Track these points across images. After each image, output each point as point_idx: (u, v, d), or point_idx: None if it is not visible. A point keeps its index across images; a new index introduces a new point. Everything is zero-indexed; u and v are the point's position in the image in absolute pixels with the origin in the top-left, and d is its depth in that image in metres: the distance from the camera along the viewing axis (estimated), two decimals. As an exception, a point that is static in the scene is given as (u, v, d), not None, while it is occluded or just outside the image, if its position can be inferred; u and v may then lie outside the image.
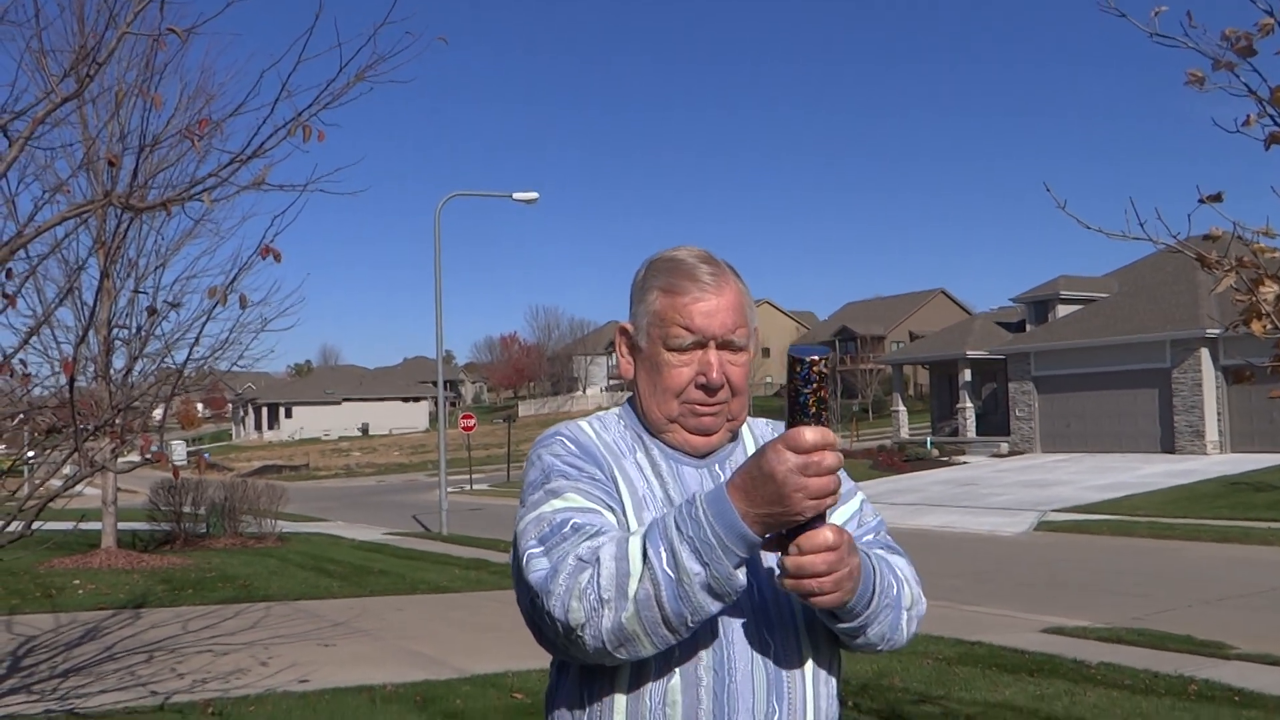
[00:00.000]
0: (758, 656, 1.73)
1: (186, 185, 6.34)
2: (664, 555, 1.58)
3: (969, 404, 41.01)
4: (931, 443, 39.76)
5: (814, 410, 1.58)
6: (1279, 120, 3.79)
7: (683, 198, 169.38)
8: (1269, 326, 3.43)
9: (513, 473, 46.82)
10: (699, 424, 1.86)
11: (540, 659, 7.77)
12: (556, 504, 1.73)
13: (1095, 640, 9.84)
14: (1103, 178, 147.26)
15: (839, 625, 1.76)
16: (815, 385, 1.59)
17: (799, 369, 1.59)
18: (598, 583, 1.59)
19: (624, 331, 1.93)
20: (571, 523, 1.68)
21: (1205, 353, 32.24)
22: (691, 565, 1.57)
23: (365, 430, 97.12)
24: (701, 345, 1.83)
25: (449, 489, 26.28)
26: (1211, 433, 32.33)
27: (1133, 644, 9.61)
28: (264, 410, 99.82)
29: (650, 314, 1.86)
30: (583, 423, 1.93)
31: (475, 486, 41.25)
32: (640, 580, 1.58)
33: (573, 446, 1.84)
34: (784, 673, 1.75)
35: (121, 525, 18.06)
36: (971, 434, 40.10)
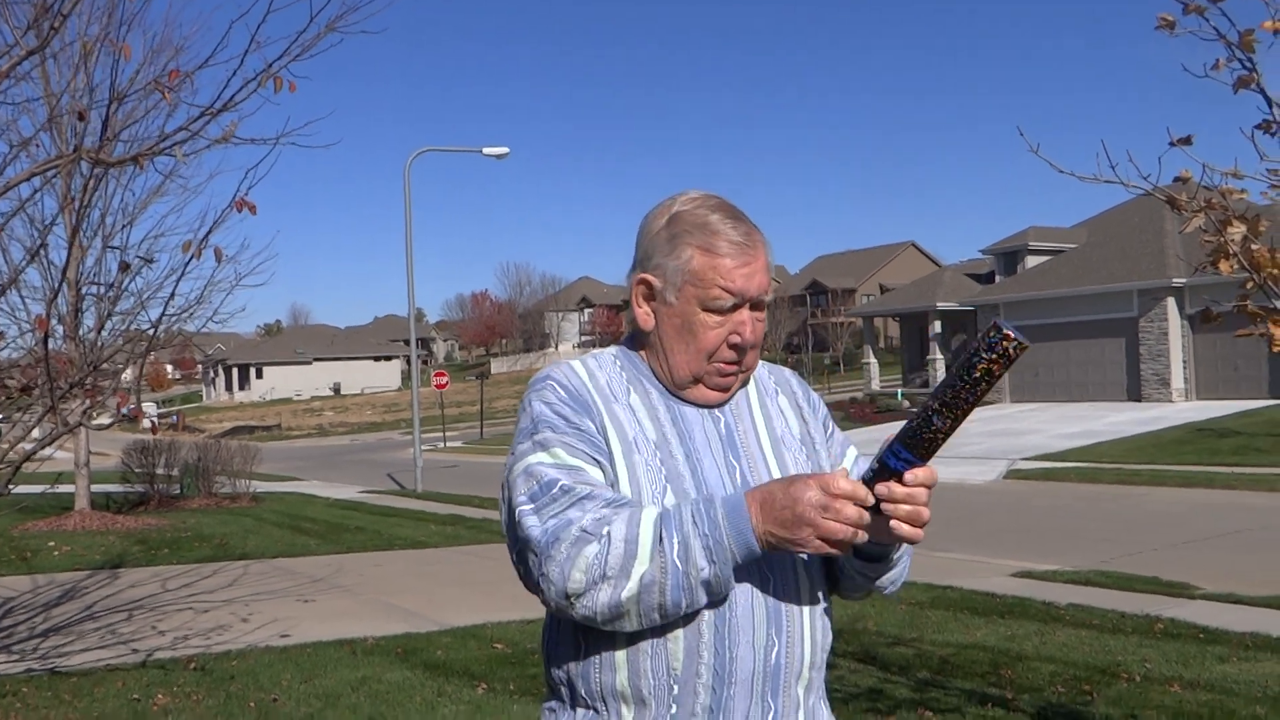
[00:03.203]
0: (757, 591, 1.77)
1: (156, 139, 6.29)
2: (676, 546, 1.64)
3: (939, 355, 41.30)
4: (903, 394, 40.05)
5: (978, 384, 1.56)
6: (1247, 64, 3.84)
7: (652, 154, 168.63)
8: (1236, 266, 3.49)
9: (486, 430, 46.85)
10: (723, 382, 1.88)
11: (519, 611, 7.87)
12: (544, 458, 1.75)
13: (1064, 583, 10.01)
14: (1074, 127, 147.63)
15: (873, 565, 1.84)
16: (996, 362, 1.54)
17: (993, 334, 1.54)
18: (605, 560, 1.63)
19: (645, 282, 1.88)
20: (560, 484, 1.71)
21: (1172, 302, 32.56)
22: (700, 561, 1.64)
23: (337, 390, 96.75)
24: (738, 307, 1.84)
25: (423, 447, 26.30)
26: (1177, 381, 32.73)
27: (1101, 586, 9.80)
28: (234, 371, 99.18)
29: (687, 272, 1.82)
30: (576, 363, 1.92)
31: (449, 444, 41.24)
32: (649, 565, 1.63)
33: (563, 393, 1.84)
34: (783, 606, 1.79)
35: (94, 488, 17.98)
36: (942, 385, 40.32)
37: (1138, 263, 34.15)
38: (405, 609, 9.65)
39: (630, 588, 1.64)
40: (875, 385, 44.20)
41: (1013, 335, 1.53)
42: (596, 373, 1.90)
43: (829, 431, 2.04)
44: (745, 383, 1.96)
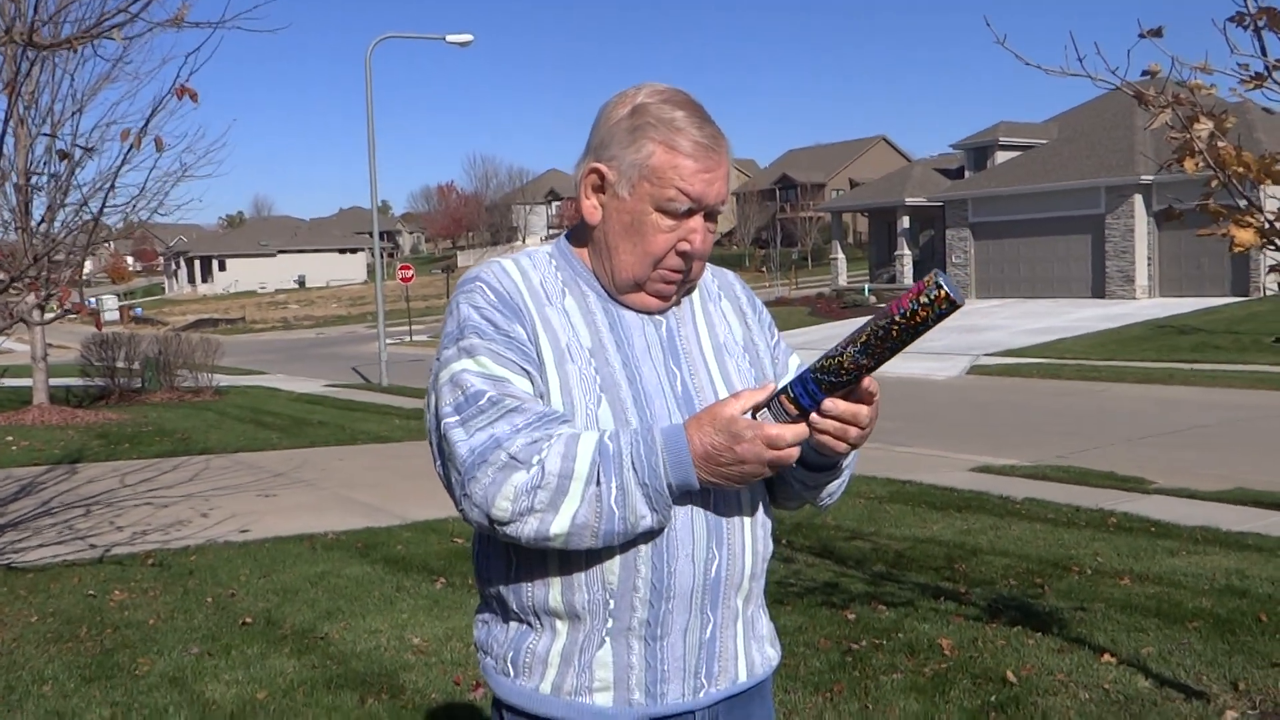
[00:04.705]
0: (697, 506, 1.71)
1: (95, 22, 6.03)
2: (614, 491, 1.58)
3: (907, 251, 41.31)
4: (869, 290, 40.14)
5: (903, 331, 1.53)
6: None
7: (621, 43, 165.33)
8: (1201, 164, 3.42)
9: (453, 324, 46.58)
10: (665, 290, 1.79)
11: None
12: (470, 365, 1.66)
13: (1021, 477, 10.14)
14: (1047, 20, 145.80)
15: (815, 475, 1.79)
16: (923, 310, 1.51)
17: (943, 306, 1.50)
18: (534, 493, 1.57)
19: (597, 172, 1.76)
20: (488, 395, 1.63)
21: (1139, 199, 32.58)
22: (640, 509, 1.60)
23: (302, 282, 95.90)
24: (692, 213, 1.73)
25: (388, 341, 26.15)
26: (1141, 278, 32.94)
27: (1057, 480, 9.92)
28: (196, 263, 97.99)
29: (646, 167, 1.71)
30: (508, 262, 1.81)
31: (415, 338, 41.09)
32: (582, 505, 1.58)
33: (492, 296, 1.73)
34: (723, 519, 1.74)
35: (54, 381, 17.79)
36: (909, 281, 40.45)
37: (1106, 159, 34.07)
38: (367, 504, 9.65)
39: (560, 523, 1.59)
40: (842, 281, 44.23)
41: (946, 292, 1.49)
42: (530, 272, 1.79)
43: (774, 339, 1.96)
44: (688, 293, 1.87)
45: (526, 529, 1.60)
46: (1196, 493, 9.04)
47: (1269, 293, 29.32)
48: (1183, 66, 3.42)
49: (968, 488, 9.62)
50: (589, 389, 1.70)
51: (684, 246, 1.74)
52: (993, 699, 4.41)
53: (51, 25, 6.04)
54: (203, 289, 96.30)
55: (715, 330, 1.87)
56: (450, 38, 25.58)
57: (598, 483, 1.58)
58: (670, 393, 1.75)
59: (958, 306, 1.51)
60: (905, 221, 41.35)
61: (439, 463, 1.72)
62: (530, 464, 1.58)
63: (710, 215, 1.76)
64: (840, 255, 45.29)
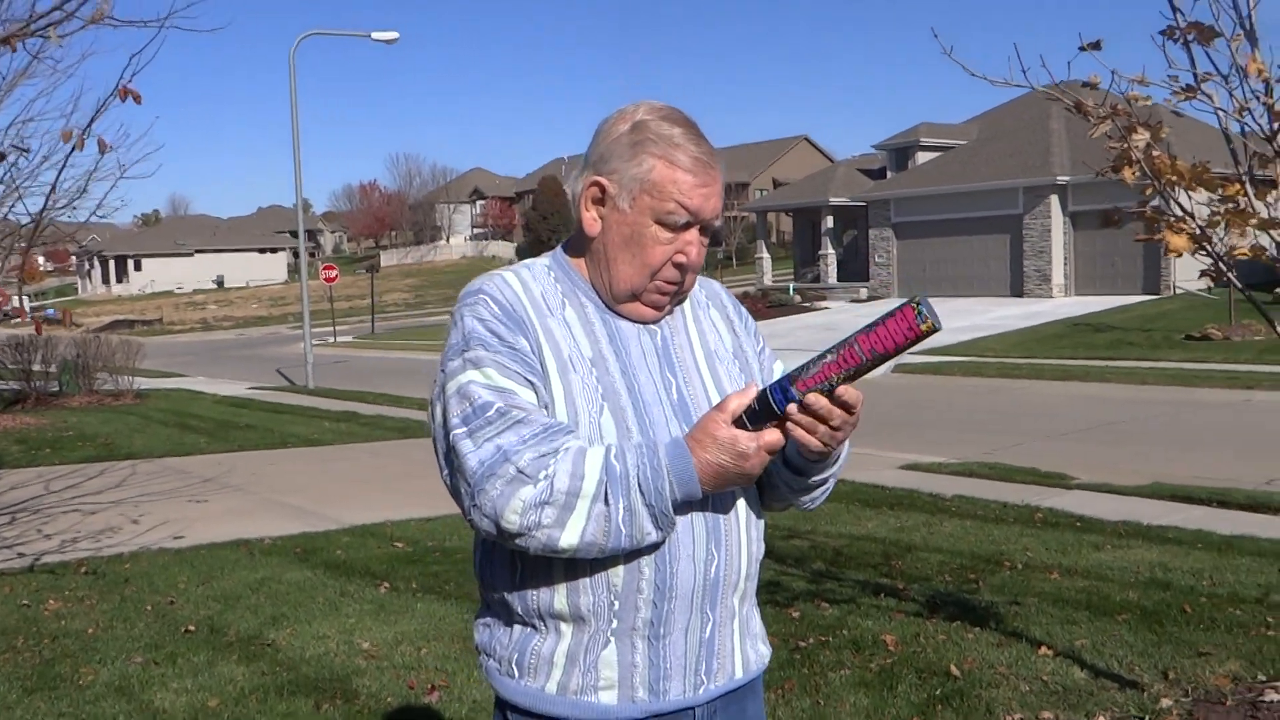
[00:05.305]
0: (696, 509, 1.77)
1: (26, 19, 5.91)
2: (621, 511, 1.64)
3: (831, 250, 41.81)
4: (794, 289, 40.57)
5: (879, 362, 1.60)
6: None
7: (542, 39, 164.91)
8: (1138, 173, 3.56)
9: (377, 324, 46.17)
10: (660, 300, 1.85)
11: (418, 509, 7.83)
12: (477, 376, 1.71)
13: (949, 475, 10.36)
14: (970, 22, 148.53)
15: (801, 479, 1.85)
16: (904, 334, 1.58)
17: (925, 330, 1.57)
18: (542, 509, 1.63)
19: (597, 185, 1.82)
20: (495, 407, 1.68)
21: (1055, 199, 33.39)
22: (647, 526, 1.67)
23: (221, 283, 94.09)
24: (689, 226, 1.80)
25: (313, 342, 25.83)
26: (1058, 277, 33.76)
27: (984, 477, 10.16)
28: (111, 263, 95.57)
29: (647, 181, 1.78)
30: (509, 274, 1.86)
31: (339, 339, 40.59)
32: (589, 523, 1.64)
33: (495, 308, 1.77)
34: (721, 520, 1.81)
35: (-34, 385, 17.31)
36: (833, 280, 41.01)
37: (1024, 160, 34.85)
38: (301, 508, 9.55)
39: (569, 538, 1.65)
40: (768, 280, 44.65)
41: (932, 324, 1.57)
42: (530, 284, 1.84)
43: (760, 345, 2.03)
44: (680, 303, 1.93)
45: (535, 542, 1.65)
46: (1116, 487, 9.31)
47: (1179, 291, 30.26)
48: (1121, 79, 3.56)
49: (898, 485, 9.80)
50: (591, 398, 1.76)
51: (680, 258, 1.81)
52: (938, 692, 4.53)
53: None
54: (118, 289, 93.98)
55: (706, 338, 1.94)
56: (376, 35, 25.32)
57: (605, 501, 1.64)
58: (666, 400, 1.82)
59: (935, 330, 1.58)
60: (829, 221, 41.86)
61: (446, 472, 1.76)
62: (538, 479, 1.63)
63: (704, 229, 1.83)
64: (765, 255, 45.74)
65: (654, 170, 1.78)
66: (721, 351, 1.94)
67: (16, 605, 6.39)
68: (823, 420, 1.66)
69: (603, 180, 1.81)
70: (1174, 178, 3.61)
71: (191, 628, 5.83)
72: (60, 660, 5.34)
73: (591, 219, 1.83)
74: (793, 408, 1.65)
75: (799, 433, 1.67)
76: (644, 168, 1.78)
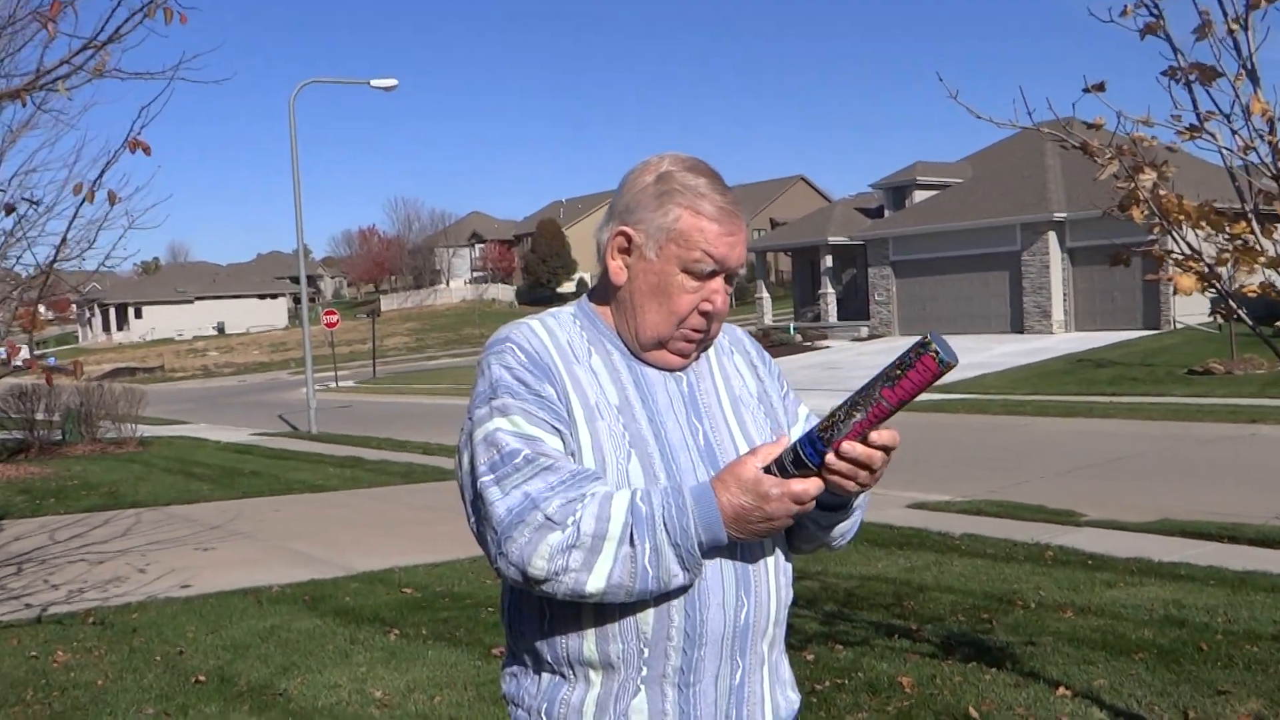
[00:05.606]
0: (725, 555, 1.77)
1: (35, 73, 5.97)
2: (648, 552, 1.65)
3: (830, 289, 41.92)
4: (795, 328, 40.63)
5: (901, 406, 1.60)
6: (1154, 10, 3.91)
7: (541, 89, 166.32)
8: (1146, 212, 3.59)
9: (379, 368, 46.19)
10: (686, 348, 1.87)
11: (425, 554, 7.80)
12: (504, 424, 1.72)
13: (957, 513, 10.33)
14: (970, 64, 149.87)
15: (829, 515, 1.84)
16: (918, 372, 1.58)
17: (939, 359, 1.57)
18: (569, 554, 1.63)
19: (624, 234, 1.85)
20: (523, 454, 1.69)
21: (1053, 236, 33.52)
22: (674, 568, 1.67)
23: (221, 329, 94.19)
24: (715, 275, 1.83)
25: (315, 387, 25.83)
26: (1058, 313, 33.82)
27: (992, 515, 10.12)
28: (112, 311, 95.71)
29: (674, 230, 1.81)
30: (535, 323, 1.87)
31: (341, 384, 40.60)
32: (616, 565, 1.64)
33: (523, 356, 1.79)
34: (750, 565, 1.81)
35: (-30, 435, 17.29)
36: (833, 319, 41.09)
37: (1021, 197, 35.03)
38: (309, 555, 9.52)
39: (596, 582, 1.65)
40: (768, 320, 44.72)
41: (945, 358, 1.57)
42: (557, 332, 1.86)
43: (784, 390, 2.05)
44: (705, 350, 1.95)
45: (562, 587, 1.66)
46: (1126, 524, 9.28)
47: (1179, 326, 30.29)
48: (1126, 119, 3.60)
49: (906, 524, 9.77)
50: (619, 445, 1.77)
51: (706, 306, 1.83)
52: (956, 733, 4.50)
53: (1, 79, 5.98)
54: (119, 337, 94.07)
55: (731, 384, 1.95)
56: (375, 82, 25.53)
57: (631, 543, 1.64)
58: (694, 446, 1.82)
59: (951, 365, 1.59)
60: (828, 260, 42.00)
61: (473, 520, 1.77)
62: (565, 524, 1.64)
63: (729, 278, 1.85)
64: (765, 294, 45.83)
65: (680, 220, 1.81)
66: (746, 397, 1.95)
67: (25, 657, 6.35)
68: (864, 466, 1.67)
69: (629, 230, 1.84)
70: (1181, 216, 3.64)
71: (202, 678, 5.80)
72: (70, 713, 5.30)
73: (618, 268, 1.85)
74: (831, 457, 1.66)
75: (838, 480, 1.69)
76: (670, 217, 1.81)
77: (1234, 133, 3.86)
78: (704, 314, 1.83)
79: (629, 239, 1.84)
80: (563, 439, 1.74)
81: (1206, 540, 8.45)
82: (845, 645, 5.86)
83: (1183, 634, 5.80)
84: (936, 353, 1.58)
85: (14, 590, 8.26)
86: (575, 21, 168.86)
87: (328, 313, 36.34)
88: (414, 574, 8.36)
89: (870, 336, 38.42)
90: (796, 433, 1.96)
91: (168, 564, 9.11)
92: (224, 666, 6.01)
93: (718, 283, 1.83)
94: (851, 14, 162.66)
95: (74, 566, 9.14)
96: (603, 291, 1.92)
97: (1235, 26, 3.66)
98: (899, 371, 1.60)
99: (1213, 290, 3.85)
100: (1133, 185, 3.58)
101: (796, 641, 5.95)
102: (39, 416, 19.92)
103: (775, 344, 37.79)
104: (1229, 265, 3.80)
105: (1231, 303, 3.80)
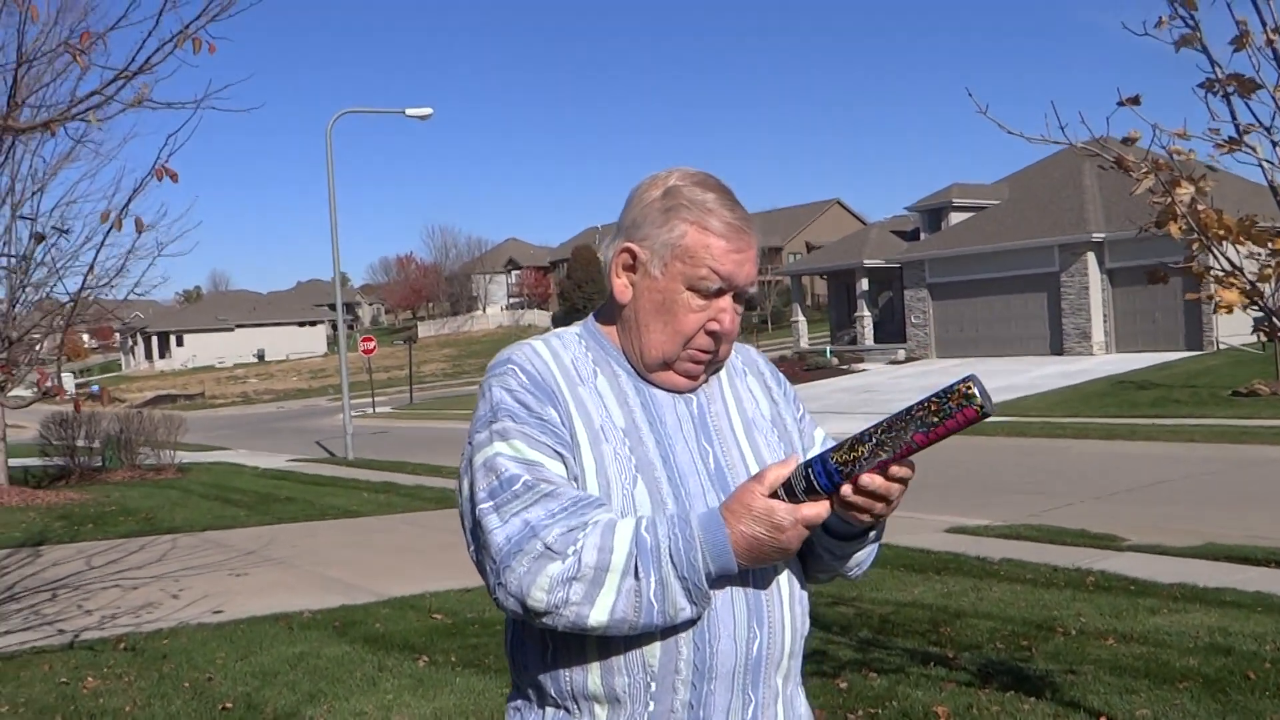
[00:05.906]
0: (736, 584, 1.70)
1: (68, 104, 6.02)
2: (653, 585, 1.58)
3: (866, 313, 41.69)
4: (831, 351, 40.43)
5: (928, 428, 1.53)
6: (1189, 21, 3.82)
7: (577, 111, 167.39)
8: (1184, 227, 3.49)
9: (416, 394, 46.39)
10: (693, 370, 1.80)
11: (456, 580, 7.74)
12: (504, 449, 1.66)
13: (996, 537, 10.16)
14: (1003, 85, 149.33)
15: (843, 544, 1.78)
16: (951, 417, 1.51)
17: (981, 412, 1.50)
18: (570, 585, 1.56)
19: (629, 251, 1.78)
20: (523, 480, 1.62)
21: (1091, 256, 33.17)
22: (680, 601, 1.59)
23: (261, 356, 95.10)
24: (723, 293, 1.75)
25: (352, 413, 25.95)
26: (1098, 334, 33.43)
27: (1031, 539, 9.95)
28: (154, 339, 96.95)
29: (679, 247, 1.73)
30: (539, 344, 1.80)
31: (378, 409, 40.81)
32: (619, 597, 1.57)
33: (524, 378, 1.72)
34: (763, 595, 1.73)
35: (12, 461, 17.49)
36: (869, 342, 40.84)
37: (1058, 218, 34.72)
38: (341, 580, 9.50)
39: (598, 616, 1.58)
40: (804, 343, 44.53)
41: (986, 407, 1.49)
42: (561, 353, 1.79)
43: (800, 413, 1.97)
44: (716, 372, 1.87)
45: (563, 620, 1.59)
46: (1169, 549, 9.09)
47: (1222, 347, 29.84)
48: (1163, 133, 3.51)
49: (944, 549, 9.62)
50: (624, 469, 1.70)
51: (713, 326, 1.76)
52: (994, 765, 4.38)
53: (29, 109, 6.03)
54: (160, 365, 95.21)
55: (744, 406, 1.88)
56: (410, 111, 25.74)
57: (636, 576, 1.57)
58: (704, 470, 1.75)
59: (988, 415, 1.52)
60: (864, 283, 41.79)
61: (473, 549, 1.71)
62: (566, 555, 1.57)
63: (739, 297, 1.78)
64: (801, 318, 45.64)
65: (686, 236, 1.74)
66: (759, 420, 1.88)
67: (55, 683, 6.35)
68: (881, 499, 1.60)
69: (634, 246, 1.77)
70: (1221, 232, 3.54)
71: (229, 705, 5.77)
72: (97, 740, 5.28)
73: (623, 286, 1.79)
74: (848, 489, 1.59)
75: (854, 512, 1.62)
76: (676, 233, 1.74)
77: (1275, 145, 3.76)
78: (711, 334, 1.76)
79: (634, 256, 1.77)
80: (565, 464, 1.67)
81: (1253, 565, 8.25)
82: (880, 673, 5.74)
83: (1229, 662, 5.63)
84: (981, 407, 1.50)
85: (48, 616, 8.29)
86: (611, 51, 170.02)
87: (365, 339, 36.53)
88: (445, 599, 8.30)
89: (907, 359, 38.14)
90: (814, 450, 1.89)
91: (201, 589, 9.12)
92: (251, 694, 5.97)
93: (725, 301, 1.76)
94: (886, 39, 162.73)
95: (108, 592, 9.17)
96: (609, 310, 1.85)
97: (1274, 36, 3.57)
98: (936, 419, 1.52)
99: (1256, 307, 3.74)
100: (1170, 200, 3.49)
101: (830, 669, 5.84)
102: (79, 443, 20.14)
103: (811, 367, 37.62)
104: (1271, 282, 3.69)
105: (1276, 320, 3.68)
